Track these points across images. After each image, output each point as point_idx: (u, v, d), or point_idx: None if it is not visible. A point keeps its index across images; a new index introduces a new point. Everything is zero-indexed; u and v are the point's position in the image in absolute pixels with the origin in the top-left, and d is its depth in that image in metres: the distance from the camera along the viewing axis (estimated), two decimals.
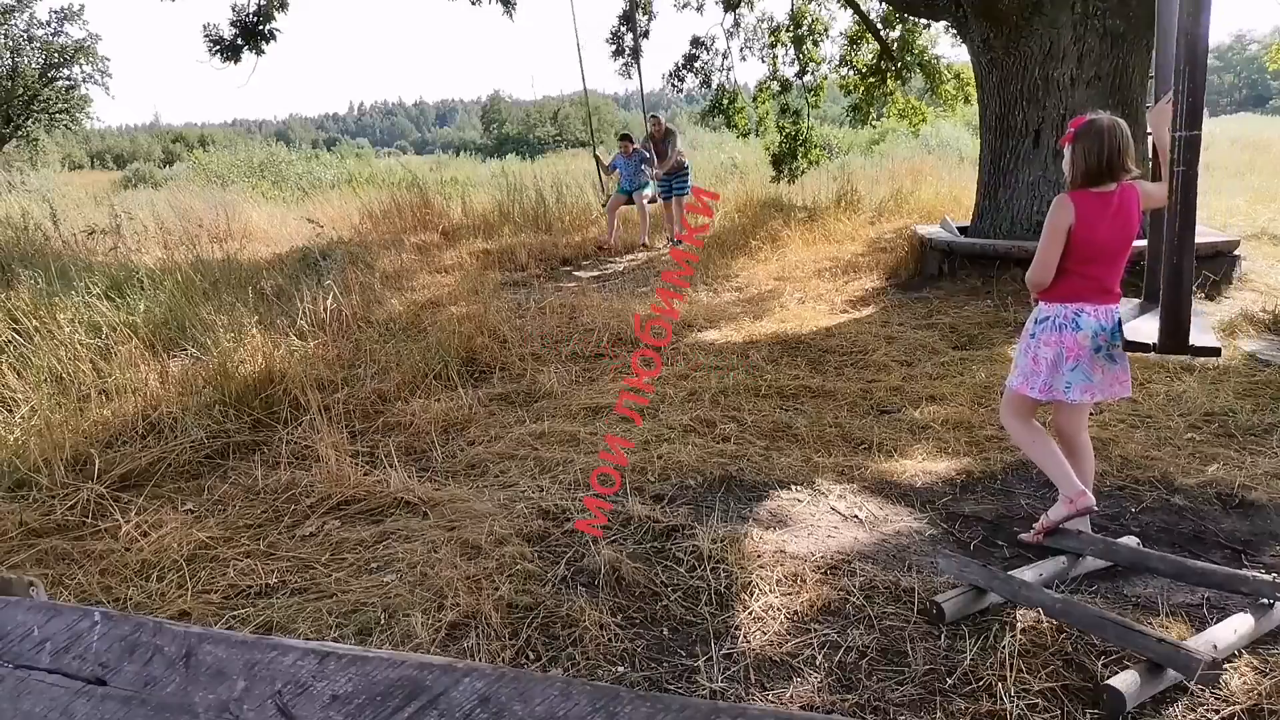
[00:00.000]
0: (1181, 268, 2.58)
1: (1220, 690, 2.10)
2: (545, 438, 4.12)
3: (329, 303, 5.96)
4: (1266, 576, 2.44)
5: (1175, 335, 2.64)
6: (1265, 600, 2.38)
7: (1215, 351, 2.74)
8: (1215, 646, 2.15)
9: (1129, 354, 2.82)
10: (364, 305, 6.52)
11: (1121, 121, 2.77)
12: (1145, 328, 2.88)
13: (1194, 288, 6.71)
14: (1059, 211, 2.79)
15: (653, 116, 10.46)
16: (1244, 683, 2.11)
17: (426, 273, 8.50)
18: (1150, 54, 7.10)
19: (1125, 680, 2.07)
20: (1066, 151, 2.85)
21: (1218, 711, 2.03)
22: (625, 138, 10.23)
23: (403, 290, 7.49)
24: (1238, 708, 2.03)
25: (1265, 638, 2.34)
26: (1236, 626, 2.27)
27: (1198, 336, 2.71)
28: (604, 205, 10.62)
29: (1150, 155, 3.07)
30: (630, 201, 10.29)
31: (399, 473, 3.58)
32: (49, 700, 0.88)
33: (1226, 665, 2.17)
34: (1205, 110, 2.55)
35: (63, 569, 2.99)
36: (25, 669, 0.92)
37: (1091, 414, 4.17)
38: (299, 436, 4.07)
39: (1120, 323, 2.85)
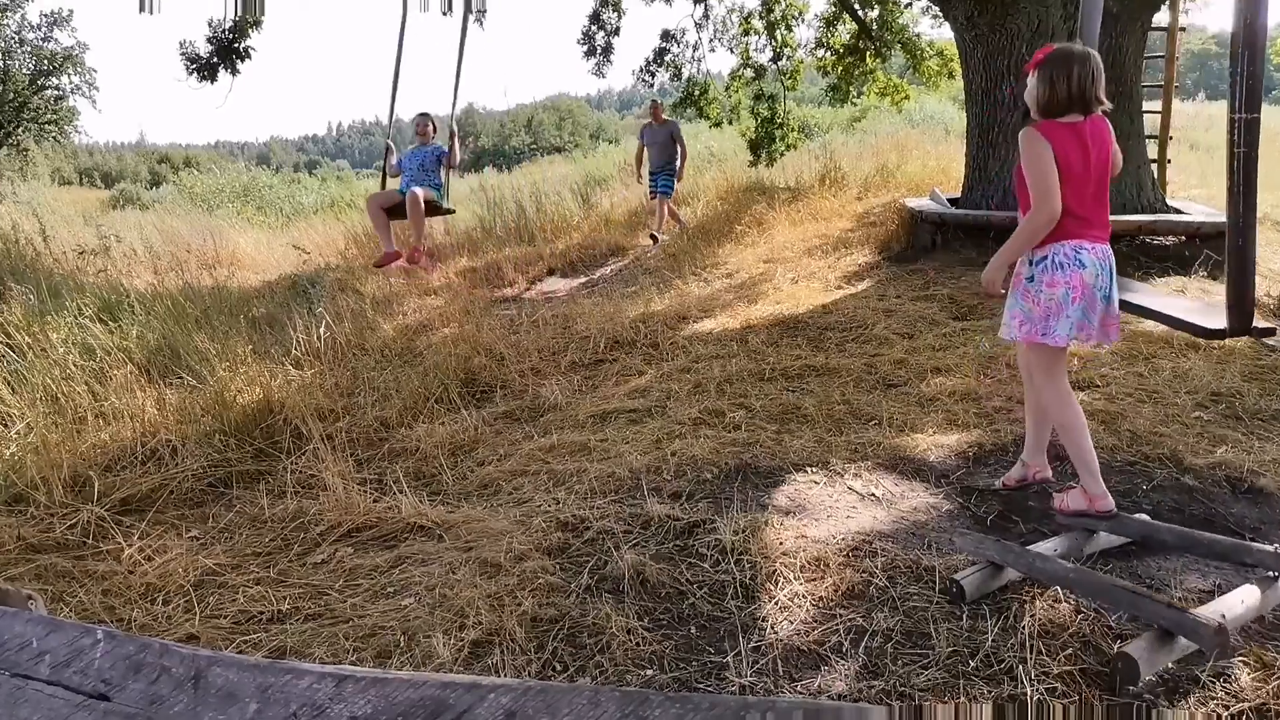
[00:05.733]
0: (1245, 250, 2.59)
1: (1231, 685, 2.07)
2: (555, 450, 4.05)
3: (322, 330, 5.89)
4: (1269, 547, 2.43)
5: (1242, 317, 2.66)
6: (1271, 574, 2.39)
7: (1272, 331, 2.80)
8: (1224, 616, 2.14)
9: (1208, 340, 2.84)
10: (357, 332, 6.44)
11: (1095, 53, 2.64)
12: (1193, 310, 2.89)
13: (1198, 268, 6.62)
14: (1035, 143, 2.62)
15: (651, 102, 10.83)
16: (1253, 680, 2.08)
17: (415, 295, 8.38)
18: (1145, 35, 7.03)
19: (1138, 647, 2.08)
20: (1031, 80, 2.70)
21: (1227, 708, 2.00)
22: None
23: (394, 315, 7.40)
24: (1246, 705, 2.00)
25: (1276, 627, 2.33)
26: (1244, 598, 2.28)
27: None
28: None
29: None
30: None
31: (409, 498, 3.52)
32: (48, 711, 0.84)
33: (1237, 658, 2.15)
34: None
35: (63, 586, 2.90)
36: (22, 677, 0.88)
37: (1098, 386, 4.14)
38: (303, 465, 4.01)
39: (1114, 267, 2.80)
